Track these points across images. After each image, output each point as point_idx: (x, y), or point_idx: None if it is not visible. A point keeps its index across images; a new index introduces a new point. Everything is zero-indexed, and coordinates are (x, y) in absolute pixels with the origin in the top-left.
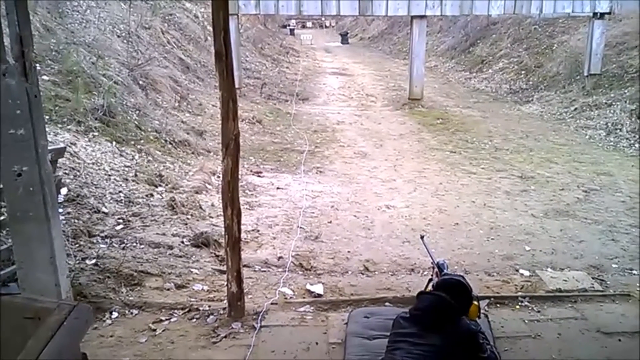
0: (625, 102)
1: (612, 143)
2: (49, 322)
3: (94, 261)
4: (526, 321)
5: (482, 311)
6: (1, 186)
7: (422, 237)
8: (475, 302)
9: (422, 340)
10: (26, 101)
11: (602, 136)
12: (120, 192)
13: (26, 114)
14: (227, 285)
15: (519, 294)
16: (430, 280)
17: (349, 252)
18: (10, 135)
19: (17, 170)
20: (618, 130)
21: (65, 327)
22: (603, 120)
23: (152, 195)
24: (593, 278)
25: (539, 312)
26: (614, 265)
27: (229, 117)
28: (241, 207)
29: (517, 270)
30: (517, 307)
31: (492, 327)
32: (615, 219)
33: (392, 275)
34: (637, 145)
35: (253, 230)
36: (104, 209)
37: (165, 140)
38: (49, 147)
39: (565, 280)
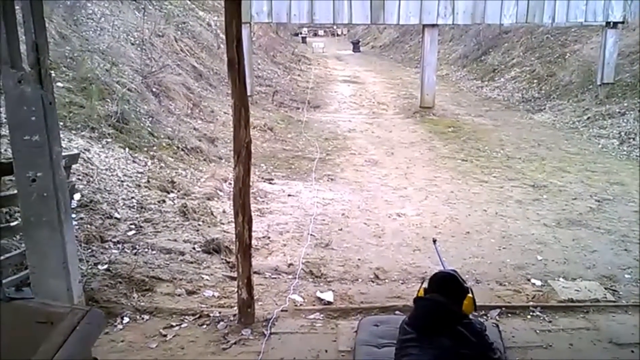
0: (639, 111)
1: (625, 152)
2: (62, 327)
3: (106, 266)
4: (537, 331)
5: (493, 321)
6: (15, 191)
7: (434, 241)
8: (470, 294)
9: (430, 344)
10: (41, 108)
11: (615, 145)
12: (132, 198)
13: (41, 120)
14: (237, 291)
15: (531, 303)
16: (422, 282)
17: (359, 259)
18: (25, 141)
19: (32, 175)
20: (631, 140)
21: (77, 332)
22: (616, 129)
23: (164, 201)
24: (605, 288)
25: (550, 322)
26: (626, 276)
27: (241, 124)
28: (252, 213)
29: (529, 280)
30: (529, 317)
31: (503, 337)
32: (628, 229)
33: (402, 283)
34: None
35: (264, 237)
36: (116, 215)
37: (178, 147)
38: (63, 153)
39: (578, 291)
